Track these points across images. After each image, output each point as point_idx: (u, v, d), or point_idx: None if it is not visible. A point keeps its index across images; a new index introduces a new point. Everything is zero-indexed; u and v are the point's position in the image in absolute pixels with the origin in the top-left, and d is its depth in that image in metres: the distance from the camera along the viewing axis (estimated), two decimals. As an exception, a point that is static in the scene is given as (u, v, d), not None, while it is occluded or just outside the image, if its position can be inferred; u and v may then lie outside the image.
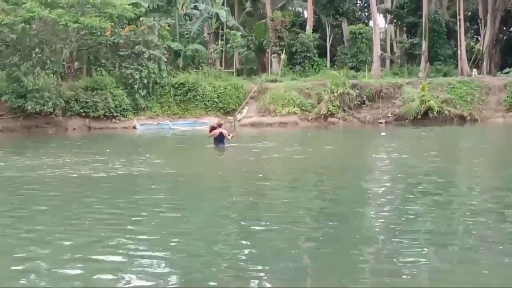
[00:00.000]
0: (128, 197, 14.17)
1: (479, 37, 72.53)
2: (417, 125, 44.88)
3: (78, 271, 8.17)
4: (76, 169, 19.52)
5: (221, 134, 26.52)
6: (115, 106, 47.15)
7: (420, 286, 7.82)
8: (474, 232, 10.10)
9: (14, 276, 8.04)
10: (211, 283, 7.67)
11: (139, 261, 8.63)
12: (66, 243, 9.69)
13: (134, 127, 46.34)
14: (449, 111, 48.49)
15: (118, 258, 8.78)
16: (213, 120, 45.40)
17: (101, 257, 8.84)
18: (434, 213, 11.73)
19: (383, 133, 38.69)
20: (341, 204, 13.20)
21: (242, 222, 11.22)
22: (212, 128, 27.10)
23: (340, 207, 12.90)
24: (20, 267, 8.41)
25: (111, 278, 7.94)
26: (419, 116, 47.83)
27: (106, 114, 46.89)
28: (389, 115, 49.39)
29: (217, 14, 57.10)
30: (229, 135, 26.82)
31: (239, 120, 49.37)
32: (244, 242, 9.70)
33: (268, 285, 7.74)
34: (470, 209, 12.13)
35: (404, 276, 7.87)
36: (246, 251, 9.09)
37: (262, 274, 8.08)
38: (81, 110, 46.71)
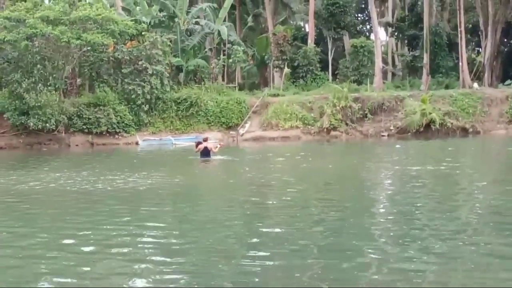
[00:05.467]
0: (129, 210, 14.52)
1: (480, 49, 72.92)
2: (420, 138, 45.13)
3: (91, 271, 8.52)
4: (79, 184, 19.94)
5: (206, 148, 28.95)
6: (118, 122, 47.35)
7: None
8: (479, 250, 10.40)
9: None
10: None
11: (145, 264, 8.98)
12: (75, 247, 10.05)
13: (137, 143, 46.54)
14: (451, 123, 48.74)
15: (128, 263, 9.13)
16: (215, 135, 45.87)
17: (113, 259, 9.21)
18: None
19: (398, 146, 38.74)
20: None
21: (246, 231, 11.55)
22: (198, 143, 29.63)
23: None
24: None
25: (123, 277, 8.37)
26: (422, 129, 48.07)
27: (108, 130, 47.09)
28: (392, 128, 49.60)
29: (219, 30, 57.38)
30: (215, 147, 29.56)
31: (242, 135, 49.59)
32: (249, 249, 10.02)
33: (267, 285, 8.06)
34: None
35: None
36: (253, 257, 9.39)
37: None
38: (84, 127, 46.90)
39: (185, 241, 11.05)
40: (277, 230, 11.76)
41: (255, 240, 10.95)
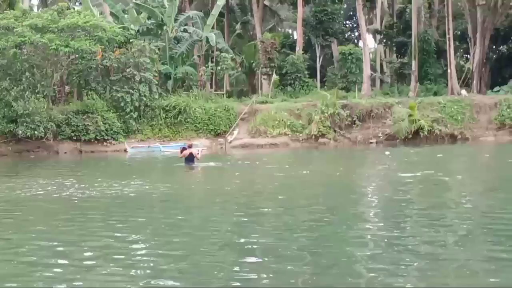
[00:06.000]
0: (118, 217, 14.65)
1: (468, 56, 73.29)
2: (408, 145, 45.31)
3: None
4: (67, 191, 20.05)
5: (191, 154, 29.37)
6: (106, 129, 47.30)
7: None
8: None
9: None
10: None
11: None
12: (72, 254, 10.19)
13: (125, 150, 46.55)
14: (440, 130, 48.96)
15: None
16: (203, 142, 45.95)
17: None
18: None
19: (387, 152, 38.95)
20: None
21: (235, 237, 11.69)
22: (183, 149, 29.99)
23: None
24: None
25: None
26: (410, 136, 48.29)
27: (97, 137, 47.02)
28: (380, 135, 49.81)
29: (207, 37, 57.52)
30: (197, 153, 29.69)
31: (230, 142, 49.68)
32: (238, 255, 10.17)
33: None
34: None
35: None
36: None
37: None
38: (72, 134, 46.85)
39: (173, 248, 11.20)
40: (266, 239, 11.92)
41: (244, 249, 11.10)
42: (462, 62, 77.31)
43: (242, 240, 11.77)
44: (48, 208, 17.28)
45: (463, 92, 56.37)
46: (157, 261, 10.22)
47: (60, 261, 10.32)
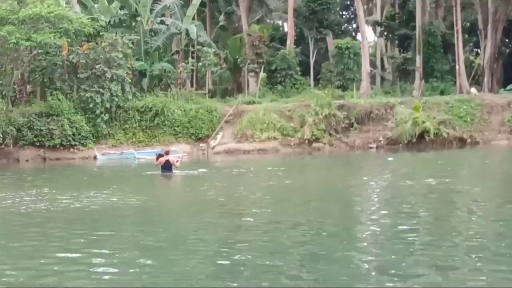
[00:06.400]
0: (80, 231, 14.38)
1: (479, 50, 73.28)
2: (412, 150, 45.25)
3: None
4: (27, 205, 19.81)
5: (167, 161, 29.15)
6: (73, 134, 46.95)
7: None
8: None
9: None
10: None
11: None
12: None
13: (95, 157, 46.25)
14: (448, 133, 48.88)
15: None
16: (183, 148, 45.76)
17: None
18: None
19: (390, 158, 38.75)
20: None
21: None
22: (159, 156, 29.76)
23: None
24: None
25: None
26: (414, 140, 48.18)
27: (63, 143, 46.66)
28: (381, 139, 49.72)
29: (187, 30, 57.28)
30: (177, 161, 29.59)
31: (213, 148, 49.48)
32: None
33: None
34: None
35: None
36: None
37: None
38: (35, 139, 46.39)
39: (142, 271, 10.96)
40: (250, 255, 11.72)
41: (223, 270, 10.89)
42: (471, 57, 77.50)
43: (221, 261, 11.55)
44: (1, 225, 17.01)
45: (473, 90, 56.37)
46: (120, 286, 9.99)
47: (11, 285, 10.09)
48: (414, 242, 13.13)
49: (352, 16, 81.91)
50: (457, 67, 59.46)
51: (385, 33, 74.94)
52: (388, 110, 51.12)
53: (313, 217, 16.89)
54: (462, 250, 12.24)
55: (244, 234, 14.56)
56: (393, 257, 11.60)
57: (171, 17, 60.37)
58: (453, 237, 13.36)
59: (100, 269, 11.09)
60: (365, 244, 13.24)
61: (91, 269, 11.11)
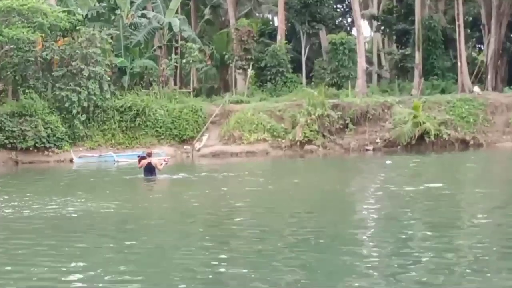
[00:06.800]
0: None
1: (482, 46, 73.42)
2: (411, 152, 45.21)
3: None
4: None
5: (150, 164, 29.08)
6: (48, 136, 46.80)
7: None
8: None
9: None
10: None
11: None
12: None
13: (71, 160, 46.11)
14: (449, 134, 48.94)
15: None
16: (166, 150, 45.60)
17: None
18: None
19: (388, 162, 38.67)
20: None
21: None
22: (141, 158, 29.62)
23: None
24: None
25: None
26: (413, 141, 48.14)
27: (36, 145, 46.50)
28: (378, 140, 49.71)
29: (169, 23, 57.08)
30: (160, 164, 29.44)
31: (198, 150, 49.41)
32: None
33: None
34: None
35: None
36: None
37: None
38: (6, 141, 46.19)
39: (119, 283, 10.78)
40: (234, 270, 11.64)
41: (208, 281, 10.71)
42: (474, 54, 77.64)
43: (204, 270, 11.47)
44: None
45: (476, 89, 56.42)
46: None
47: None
48: (413, 247, 13.15)
49: (347, 9, 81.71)
50: (458, 64, 59.45)
51: (382, 28, 74.97)
52: (386, 110, 51.15)
53: (304, 224, 16.76)
54: (461, 253, 12.44)
55: (230, 243, 14.42)
56: (391, 259, 11.77)
57: (153, 10, 60.25)
58: (452, 240, 13.64)
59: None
60: (361, 248, 13.20)
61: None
